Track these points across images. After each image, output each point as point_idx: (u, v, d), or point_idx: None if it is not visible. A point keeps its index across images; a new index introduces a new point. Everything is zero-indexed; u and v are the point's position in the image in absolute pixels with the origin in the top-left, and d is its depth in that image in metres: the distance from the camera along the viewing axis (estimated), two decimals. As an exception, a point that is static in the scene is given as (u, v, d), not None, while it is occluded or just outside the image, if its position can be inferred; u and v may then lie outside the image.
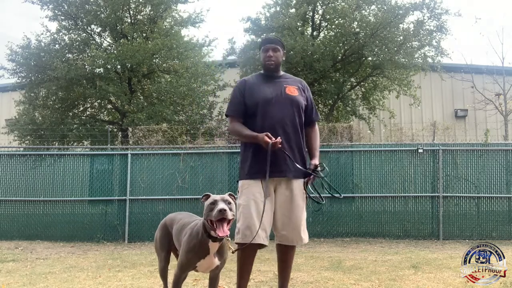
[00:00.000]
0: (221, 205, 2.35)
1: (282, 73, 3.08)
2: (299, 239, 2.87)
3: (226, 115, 3.04)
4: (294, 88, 2.96)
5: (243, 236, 2.75)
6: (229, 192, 2.54)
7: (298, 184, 2.91)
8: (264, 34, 12.03)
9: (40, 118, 11.43)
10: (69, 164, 8.47)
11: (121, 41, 11.08)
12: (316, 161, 3.02)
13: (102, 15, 11.42)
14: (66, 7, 11.38)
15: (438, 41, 11.15)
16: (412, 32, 10.91)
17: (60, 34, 11.74)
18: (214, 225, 2.37)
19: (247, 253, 2.79)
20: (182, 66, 11.66)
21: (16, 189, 8.29)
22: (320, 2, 11.65)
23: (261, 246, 2.80)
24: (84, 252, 6.76)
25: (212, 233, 2.42)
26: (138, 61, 10.74)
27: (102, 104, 12.16)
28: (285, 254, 2.95)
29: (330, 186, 3.09)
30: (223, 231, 2.34)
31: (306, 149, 3.08)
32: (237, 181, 2.98)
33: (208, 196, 2.52)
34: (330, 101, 11.98)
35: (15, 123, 11.74)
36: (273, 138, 2.69)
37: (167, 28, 11.78)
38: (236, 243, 2.78)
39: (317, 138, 3.18)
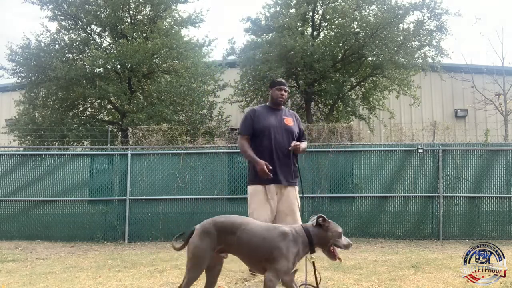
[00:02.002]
0: (347, 239, 2.89)
1: (282, 107, 4.07)
2: None
3: (239, 133, 3.97)
4: (290, 120, 3.96)
5: None
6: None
7: (292, 189, 3.84)
8: (265, 34, 12.04)
9: (40, 118, 11.43)
10: (69, 164, 8.47)
11: (121, 41, 11.08)
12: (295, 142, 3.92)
13: (102, 15, 11.41)
14: (66, 7, 11.38)
15: (438, 41, 11.15)
16: (412, 32, 10.90)
17: (60, 34, 11.74)
18: (332, 248, 2.87)
19: None
20: (182, 66, 11.66)
21: (16, 189, 8.29)
22: (320, 2, 11.65)
23: None
24: (84, 252, 6.75)
25: (325, 252, 2.90)
26: (138, 61, 10.74)
27: (102, 104, 12.16)
28: None
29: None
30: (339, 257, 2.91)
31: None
32: (246, 185, 3.93)
33: (328, 221, 2.88)
34: (330, 101, 11.98)
35: (15, 123, 11.74)
36: (268, 170, 3.62)
37: (167, 28, 11.78)
38: None
39: (304, 142, 4.09)
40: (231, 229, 2.81)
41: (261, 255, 2.74)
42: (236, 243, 2.78)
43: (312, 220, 2.94)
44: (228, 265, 4.90)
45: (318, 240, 2.85)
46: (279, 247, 2.72)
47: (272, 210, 3.74)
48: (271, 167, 3.64)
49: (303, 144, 3.93)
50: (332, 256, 2.88)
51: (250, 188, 3.83)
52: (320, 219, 2.87)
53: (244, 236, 2.78)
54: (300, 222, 3.73)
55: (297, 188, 3.90)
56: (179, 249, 2.93)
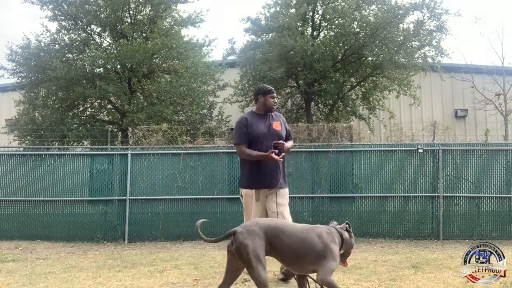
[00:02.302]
0: None
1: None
2: None
3: (235, 144, 4.11)
4: (278, 124, 4.19)
5: None
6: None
7: (283, 191, 4.05)
8: (265, 34, 12.02)
9: (40, 118, 11.43)
10: (69, 164, 8.47)
11: (121, 41, 11.08)
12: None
13: (102, 15, 11.41)
14: (66, 7, 11.38)
15: (438, 41, 11.15)
16: (412, 32, 10.90)
17: (60, 34, 11.74)
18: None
19: None
20: (182, 66, 11.66)
21: (16, 189, 8.29)
22: (320, 2, 11.65)
23: None
24: (84, 252, 6.76)
25: (342, 257, 3.10)
26: (138, 61, 10.74)
27: (102, 104, 12.16)
28: None
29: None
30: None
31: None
32: (239, 187, 4.19)
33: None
34: (330, 101, 11.98)
35: (15, 123, 11.74)
36: (276, 156, 3.83)
37: (167, 28, 11.78)
38: None
39: (290, 141, 4.33)
40: (275, 231, 2.84)
41: (301, 256, 2.84)
42: (279, 246, 2.83)
43: (332, 224, 3.23)
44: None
45: (345, 243, 3.06)
46: (327, 247, 2.86)
47: (262, 211, 4.03)
48: (276, 151, 3.88)
49: (288, 144, 4.15)
50: (345, 260, 3.15)
51: (243, 191, 4.11)
52: (347, 225, 3.16)
53: (286, 239, 2.84)
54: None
55: (287, 189, 4.14)
56: (211, 242, 2.95)
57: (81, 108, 12.10)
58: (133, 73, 11.23)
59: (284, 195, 4.05)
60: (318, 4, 11.66)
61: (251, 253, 2.72)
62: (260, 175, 3.98)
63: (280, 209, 3.95)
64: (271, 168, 3.98)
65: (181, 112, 12.04)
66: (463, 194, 7.83)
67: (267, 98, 4.16)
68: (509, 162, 7.87)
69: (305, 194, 7.99)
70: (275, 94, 4.22)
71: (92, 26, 11.76)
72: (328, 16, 11.67)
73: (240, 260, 2.78)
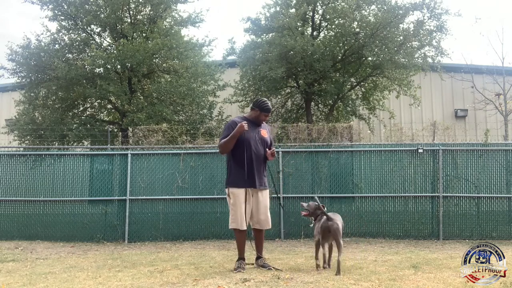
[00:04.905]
0: None
1: None
2: (267, 225, 4.71)
3: (220, 140, 4.60)
4: (265, 131, 4.74)
5: (237, 225, 4.55)
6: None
7: (265, 192, 4.71)
8: (265, 34, 12.02)
9: (40, 118, 11.44)
10: (69, 164, 8.46)
11: (121, 41, 11.08)
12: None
13: (102, 15, 11.42)
14: (66, 7, 11.39)
15: (438, 41, 11.16)
16: (412, 32, 10.91)
17: (60, 34, 11.75)
18: None
19: (243, 234, 4.63)
20: (182, 66, 11.66)
21: (16, 189, 8.28)
22: (320, 2, 11.65)
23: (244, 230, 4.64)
24: (84, 252, 6.76)
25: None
26: (138, 61, 10.74)
27: (102, 104, 12.16)
28: (259, 234, 4.75)
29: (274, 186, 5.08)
30: None
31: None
32: (227, 187, 4.64)
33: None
34: (330, 101, 11.98)
35: (15, 123, 11.74)
36: (244, 126, 4.41)
37: (167, 28, 11.78)
38: (234, 228, 4.62)
39: (273, 147, 4.95)
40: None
41: None
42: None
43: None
44: (229, 265, 4.91)
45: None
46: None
47: (249, 207, 4.57)
48: (245, 123, 4.41)
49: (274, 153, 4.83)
50: None
51: (232, 190, 4.56)
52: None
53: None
54: (269, 219, 4.71)
55: (268, 190, 4.78)
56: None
57: (81, 108, 12.10)
58: (133, 73, 11.23)
59: (267, 194, 4.72)
60: (318, 4, 11.67)
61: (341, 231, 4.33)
62: (248, 176, 4.50)
63: (267, 206, 4.67)
64: (260, 168, 4.60)
65: (181, 112, 12.04)
66: (463, 194, 7.82)
67: (261, 115, 4.64)
68: (509, 162, 7.87)
69: (305, 194, 7.99)
70: (268, 114, 4.70)
71: (92, 26, 11.77)
72: (328, 16, 11.68)
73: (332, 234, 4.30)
